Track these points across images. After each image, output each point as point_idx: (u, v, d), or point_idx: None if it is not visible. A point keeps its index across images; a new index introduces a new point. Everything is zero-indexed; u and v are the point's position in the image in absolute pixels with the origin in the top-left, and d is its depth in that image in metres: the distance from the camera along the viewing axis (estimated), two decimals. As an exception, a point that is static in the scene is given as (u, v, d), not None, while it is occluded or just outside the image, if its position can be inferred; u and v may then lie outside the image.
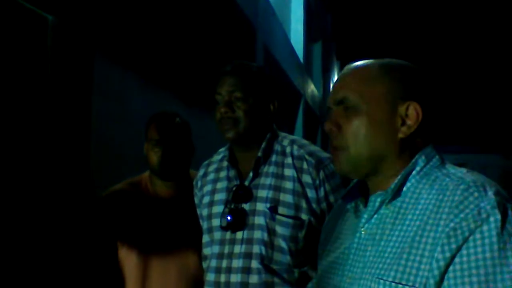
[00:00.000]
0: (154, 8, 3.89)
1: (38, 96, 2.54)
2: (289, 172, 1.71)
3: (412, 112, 1.09)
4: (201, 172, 1.92)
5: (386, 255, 1.05)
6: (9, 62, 2.38)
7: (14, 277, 2.30)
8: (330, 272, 1.19)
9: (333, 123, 1.14)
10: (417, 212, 1.05)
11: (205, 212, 1.81)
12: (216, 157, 1.90)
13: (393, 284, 1.01)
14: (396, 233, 1.06)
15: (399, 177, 1.09)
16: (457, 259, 0.96)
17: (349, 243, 1.16)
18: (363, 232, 1.13)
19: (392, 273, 1.02)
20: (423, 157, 1.11)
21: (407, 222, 1.05)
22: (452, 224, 0.98)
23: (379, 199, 1.11)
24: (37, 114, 2.54)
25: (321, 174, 1.69)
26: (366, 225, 1.13)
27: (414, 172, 1.10)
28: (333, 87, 1.18)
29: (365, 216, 1.13)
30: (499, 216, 0.96)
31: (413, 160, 1.11)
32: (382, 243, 1.07)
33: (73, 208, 2.56)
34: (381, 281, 1.03)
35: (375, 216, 1.12)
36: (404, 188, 1.10)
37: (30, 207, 2.46)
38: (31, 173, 2.49)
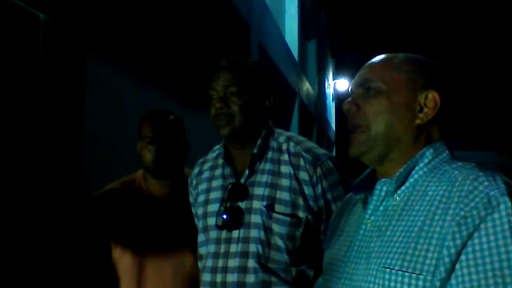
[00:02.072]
0: (148, 5, 3.86)
1: (29, 94, 2.51)
2: (285, 169, 1.68)
3: (431, 100, 1.13)
4: (195, 170, 1.88)
5: (392, 244, 1.05)
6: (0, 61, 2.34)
7: (5, 278, 2.27)
8: (334, 264, 1.20)
9: (353, 103, 1.18)
10: (425, 203, 1.05)
11: (200, 211, 1.78)
12: (211, 155, 1.87)
13: (400, 272, 1.01)
14: (403, 223, 1.06)
15: (404, 166, 1.12)
16: (469, 248, 0.96)
17: (354, 235, 1.17)
18: (368, 224, 1.14)
19: (399, 262, 1.02)
20: (431, 150, 1.13)
21: (414, 213, 1.06)
22: (462, 213, 0.98)
23: (384, 188, 1.13)
24: (29, 113, 2.51)
25: (318, 171, 1.66)
26: (372, 217, 1.14)
27: (421, 164, 1.12)
28: (358, 74, 1.22)
29: (371, 207, 1.15)
30: (509, 204, 0.96)
31: (420, 152, 1.13)
32: (388, 233, 1.08)
33: (65, 208, 2.52)
34: (387, 270, 1.03)
35: (381, 208, 1.13)
36: (412, 180, 1.11)
37: (22, 206, 2.42)
38: (22, 172, 2.46)
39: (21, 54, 2.48)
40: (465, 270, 0.96)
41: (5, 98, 2.37)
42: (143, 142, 2.07)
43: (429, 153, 1.12)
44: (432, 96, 1.13)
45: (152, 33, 3.95)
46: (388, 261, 1.04)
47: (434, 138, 1.15)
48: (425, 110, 1.13)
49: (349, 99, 1.20)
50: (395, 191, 1.12)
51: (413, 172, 1.11)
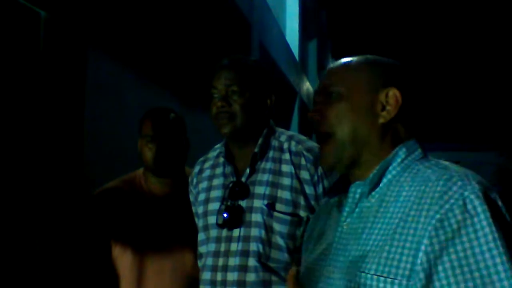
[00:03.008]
0: (149, 3, 3.85)
1: (30, 92, 2.51)
2: (286, 168, 1.68)
3: (391, 97, 1.12)
4: (196, 169, 1.88)
5: (368, 248, 1.04)
6: (1, 58, 2.34)
7: (4, 277, 2.26)
8: (311, 268, 1.18)
9: (316, 111, 1.17)
10: (399, 204, 1.04)
11: (200, 209, 1.78)
12: (212, 154, 1.87)
13: (375, 276, 1.00)
14: (378, 225, 1.05)
15: (377, 167, 1.10)
16: (453, 255, 0.95)
17: (331, 239, 1.15)
18: (344, 227, 1.12)
19: (374, 266, 1.01)
20: (404, 149, 1.12)
21: (388, 215, 1.05)
22: (438, 216, 0.97)
23: (358, 191, 1.12)
24: (29, 110, 2.50)
25: (320, 170, 1.66)
26: (348, 220, 1.12)
27: (395, 164, 1.11)
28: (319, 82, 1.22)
29: (347, 209, 1.13)
30: (485, 206, 0.96)
31: (394, 152, 1.12)
32: (364, 236, 1.06)
33: (65, 206, 2.52)
34: (363, 274, 1.01)
35: (357, 210, 1.12)
36: (385, 180, 1.10)
37: (21, 204, 2.42)
38: (22, 170, 2.45)
39: (22, 52, 2.48)
40: (451, 279, 0.94)
41: (5, 96, 2.37)
42: (144, 141, 2.07)
43: (402, 152, 1.11)
44: (393, 93, 1.11)
45: (153, 31, 3.95)
46: (364, 264, 1.02)
47: (402, 136, 1.14)
48: (387, 107, 1.12)
49: (313, 108, 1.19)
50: (370, 192, 1.10)
51: (386, 172, 1.10)
